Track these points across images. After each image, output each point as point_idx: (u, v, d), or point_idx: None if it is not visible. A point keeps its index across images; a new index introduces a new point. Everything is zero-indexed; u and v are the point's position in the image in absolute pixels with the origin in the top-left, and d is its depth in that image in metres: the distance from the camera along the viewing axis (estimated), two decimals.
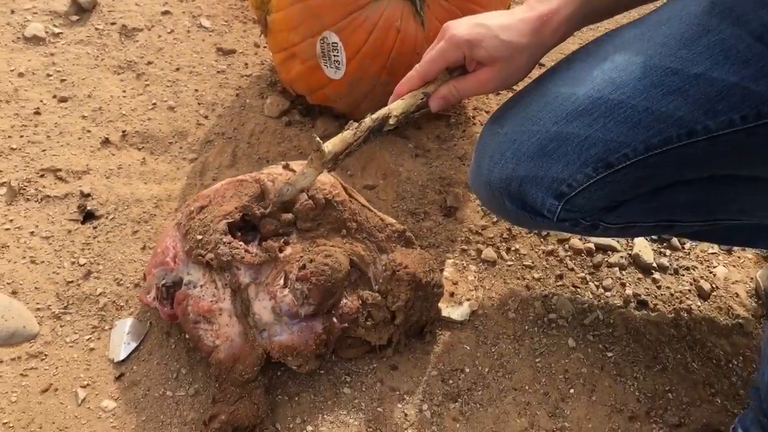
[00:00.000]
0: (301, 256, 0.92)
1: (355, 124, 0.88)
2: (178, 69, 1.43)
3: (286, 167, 1.01)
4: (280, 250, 0.93)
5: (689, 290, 1.15)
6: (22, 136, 1.24)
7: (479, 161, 0.91)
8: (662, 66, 0.78)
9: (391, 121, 0.87)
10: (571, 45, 1.00)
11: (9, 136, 1.23)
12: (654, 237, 1.23)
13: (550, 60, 1.00)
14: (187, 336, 0.93)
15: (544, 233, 1.20)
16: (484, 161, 0.89)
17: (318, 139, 0.87)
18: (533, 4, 0.83)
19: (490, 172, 0.88)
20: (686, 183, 0.87)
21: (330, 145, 0.87)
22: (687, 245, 1.22)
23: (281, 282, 0.91)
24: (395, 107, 0.87)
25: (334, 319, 0.93)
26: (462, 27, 0.83)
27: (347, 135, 0.87)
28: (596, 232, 0.90)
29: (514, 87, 0.94)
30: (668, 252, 1.21)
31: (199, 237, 0.93)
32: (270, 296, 0.91)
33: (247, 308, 0.91)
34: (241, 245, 0.92)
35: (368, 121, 0.87)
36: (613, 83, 0.80)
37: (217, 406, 0.88)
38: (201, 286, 0.93)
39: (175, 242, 0.97)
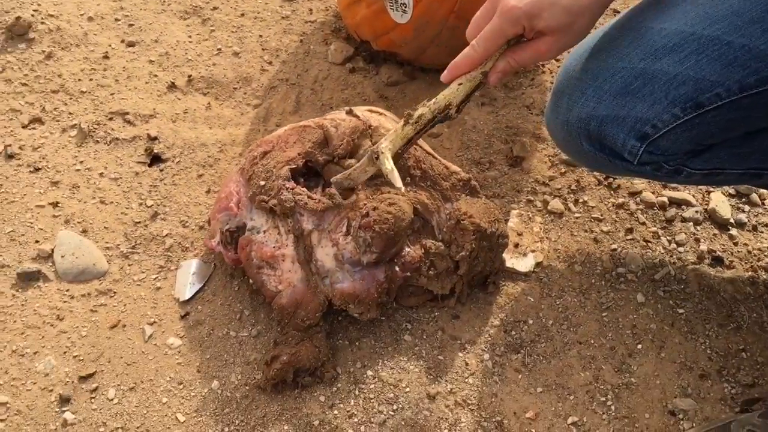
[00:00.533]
0: (365, 204, 0.90)
1: (414, 117, 0.82)
2: (242, 15, 1.42)
3: (349, 113, 1.00)
4: (344, 197, 0.92)
5: None
6: (91, 80, 1.26)
7: (557, 99, 0.87)
8: (764, 0, 0.72)
9: (452, 111, 0.82)
10: None
11: (79, 80, 1.25)
12: (732, 192, 1.17)
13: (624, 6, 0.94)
14: (250, 280, 0.94)
15: (614, 185, 1.16)
16: (563, 99, 0.85)
17: (377, 145, 0.83)
18: None
19: (569, 110, 0.84)
20: None
21: (390, 144, 0.83)
22: None
23: (344, 229, 0.90)
24: (455, 96, 0.81)
25: (397, 268, 0.92)
26: None
27: (408, 131, 0.83)
28: (679, 178, 0.85)
29: None
30: (747, 208, 1.15)
31: (262, 183, 0.93)
32: (333, 243, 0.90)
33: (310, 255, 0.91)
34: (304, 191, 0.92)
35: (428, 113, 0.82)
36: (708, 18, 0.75)
37: (278, 347, 0.89)
38: (264, 231, 0.93)
39: (238, 187, 0.97)
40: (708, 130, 0.78)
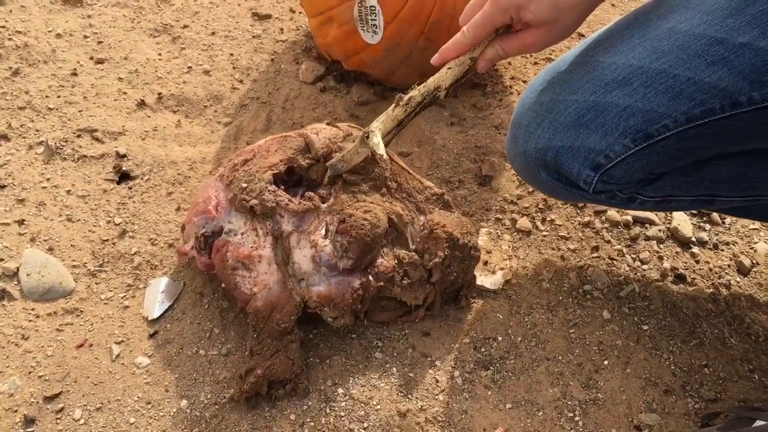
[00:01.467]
0: (342, 209, 0.91)
1: (405, 99, 0.86)
2: (213, 33, 1.43)
3: (329, 124, 1.01)
4: (323, 201, 0.93)
5: (728, 265, 1.12)
6: (59, 97, 1.24)
7: (515, 131, 0.89)
8: (707, 35, 0.75)
9: (441, 94, 0.86)
10: (612, 15, 0.98)
11: (47, 96, 1.24)
12: (694, 211, 1.20)
13: (589, 30, 0.97)
14: (223, 285, 0.93)
15: (581, 204, 1.18)
16: (521, 131, 0.88)
17: (371, 128, 0.87)
18: None
19: (526, 141, 0.87)
20: (728, 156, 0.85)
21: (381, 125, 0.86)
22: (727, 220, 1.19)
23: (322, 232, 0.91)
24: (443, 79, 0.85)
25: (371, 278, 0.92)
26: None
27: (398, 112, 0.86)
28: (633, 205, 0.88)
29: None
30: (708, 226, 1.18)
31: (244, 185, 0.93)
32: (311, 245, 0.91)
33: (288, 256, 0.91)
34: (285, 194, 0.93)
35: (417, 95, 0.86)
36: (654, 52, 0.78)
37: (253, 359, 0.89)
38: (242, 234, 0.93)
39: (217, 192, 0.97)
40: (658, 159, 0.81)
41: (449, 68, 0.86)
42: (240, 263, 0.91)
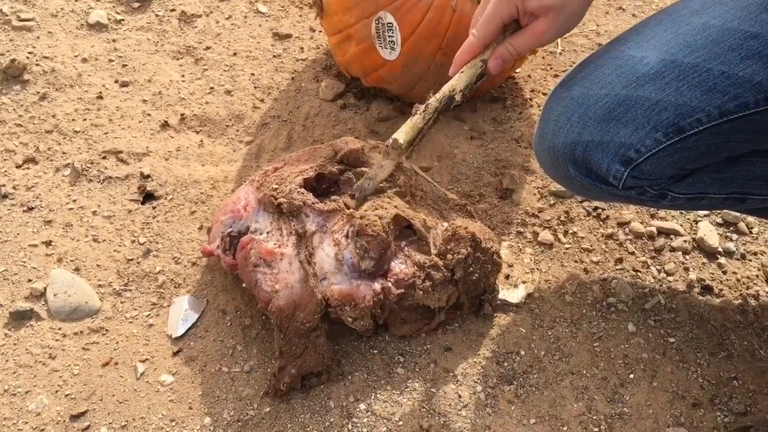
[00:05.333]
0: (362, 215, 0.93)
1: (422, 108, 0.87)
2: (235, 54, 1.45)
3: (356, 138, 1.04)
4: (347, 206, 0.95)
5: (756, 276, 1.10)
6: (85, 120, 1.27)
7: (544, 125, 0.89)
8: (741, 29, 0.75)
9: (457, 97, 0.86)
10: (646, 8, 0.97)
11: (73, 120, 1.27)
12: (719, 221, 1.18)
13: (617, 29, 0.97)
14: (244, 284, 0.95)
15: (603, 216, 1.17)
16: (549, 125, 0.87)
17: (393, 137, 0.88)
18: None
19: (555, 136, 0.86)
20: (762, 154, 0.83)
21: (403, 135, 0.87)
22: (755, 229, 1.17)
23: (346, 232, 0.92)
24: (458, 82, 0.86)
25: (391, 285, 0.92)
26: None
27: (417, 120, 0.87)
28: (664, 202, 0.86)
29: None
30: (734, 236, 1.16)
31: (275, 186, 0.96)
32: (334, 243, 0.92)
33: (311, 255, 0.92)
34: (312, 196, 0.95)
35: (434, 102, 0.87)
36: (688, 46, 0.77)
37: (283, 358, 0.90)
38: (267, 233, 0.95)
39: (247, 194, 1.00)
40: (690, 154, 0.80)
41: (462, 72, 0.86)
42: (262, 260, 0.92)
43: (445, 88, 0.87)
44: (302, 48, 1.48)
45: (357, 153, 1.00)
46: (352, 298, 0.90)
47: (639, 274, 1.09)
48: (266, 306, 0.90)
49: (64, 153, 1.21)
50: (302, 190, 0.95)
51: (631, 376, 0.96)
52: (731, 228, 1.18)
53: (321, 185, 1.00)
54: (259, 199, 0.97)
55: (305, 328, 0.89)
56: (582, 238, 1.14)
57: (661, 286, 1.08)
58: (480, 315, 1.01)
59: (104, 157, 1.21)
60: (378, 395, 0.93)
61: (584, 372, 0.97)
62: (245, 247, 0.94)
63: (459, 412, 0.92)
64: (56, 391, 0.92)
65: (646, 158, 0.80)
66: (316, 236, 0.93)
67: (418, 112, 0.88)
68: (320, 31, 1.51)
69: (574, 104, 0.84)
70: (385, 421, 0.90)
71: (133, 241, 1.10)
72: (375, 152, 1.01)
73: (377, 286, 0.91)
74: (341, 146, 1.01)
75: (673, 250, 1.13)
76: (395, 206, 0.95)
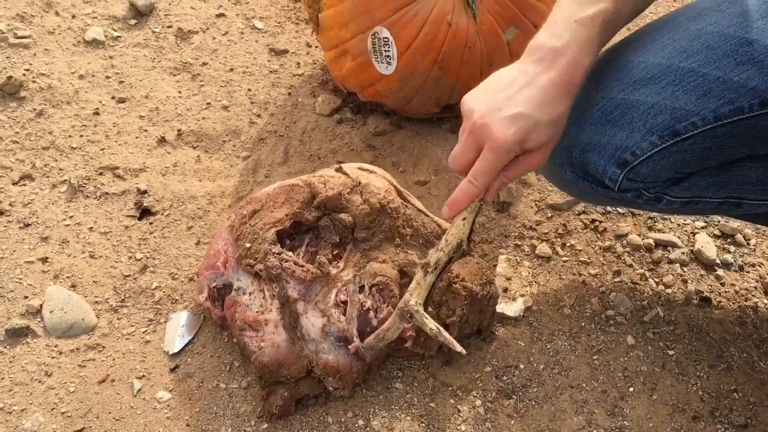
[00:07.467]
0: (354, 276, 0.92)
1: (432, 263, 0.86)
2: (231, 69, 1.45)
3: (338, 170, 0.99)
4: (332, 265, 0.93)
5: (755, 287, 1.10)
6: (82, 136, 1.27)
7: None
8: (737, 36, 0.75)
9: (465, 246, 0.88)
10: (640, 21, 0.98)
11: (69, 136, 1.26)
12: (717, 233, 1.18)
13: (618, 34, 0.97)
14: (234, 339, 0.94)
15: (601, 229, 1.17)
16: None
17: (405, 303, 0.85)
18: (543, 53, 0.77)
19: None
20: (757, 158, 0.84)
21: (418, 299, 0.85)
22: (752, 241, 1.17)
23: (332, 300, 0.90)
24: (462, 231, 0.86)
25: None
26: (500, 125, 0.76)
27: (430, 279, 0.86)
28: (659, 205, 0.86)
29: None
30: (732, 248, 1.16)
31: (248, 245, 0.93)
32: (321, 314, 0.90)
33: (295, 321, 0.91)
34: (291, 257, 0.92)
35: (443, 256, 0.86)
36: (684, 52, 0.78)
37: (270, 387, 0.89)
38: (249, 294, 0.93)
39: (226, 246, 0.97)
40: (685, 158, 0.80)
41: (464, 219, 0.85)
42: (247, 325, 0.91)
43: (452, 240, 0.86)
44: (299, 63, 1.49)
45: (335, 199, 0.95)
46: (338, 371, 0.89)
47: (637, 286, 1.09)
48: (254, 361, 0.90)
49: (60, 169, 1.21)
50: (278, 249, 0.92)
51: (631, 389, 0.96)
52: (729, 240, 1.18)
53: (300, 230, 0.97)
54: (236, 258, 0.94)
55: (285, 380, 0.89)
56: (580, 250, 1.14)
57: (659, 298, 1.08)
58: (479, 338, 1.01)
59: (101, 173, 1.21)
60: (377, 411, 0.92)
61: (584, 385, 0.96)
62: (230, 309, 0.93)
63: (458, 427, 0.91)
64: (52, 409, 0.91)
65: (641, 161, 0.81)
66: (299, 304, 0.90)
67: (429, 270, 0.86)
68: (316, 47, 1.52)
69: (571, 107, 0.84)
70: None
71: (130, 257, 1.09)
72: (355, 194, 0.95)
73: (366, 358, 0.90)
74: (319, 188, 0.95)
75: (671, 262, 1.13)
76: (389, 258, 0.94)
